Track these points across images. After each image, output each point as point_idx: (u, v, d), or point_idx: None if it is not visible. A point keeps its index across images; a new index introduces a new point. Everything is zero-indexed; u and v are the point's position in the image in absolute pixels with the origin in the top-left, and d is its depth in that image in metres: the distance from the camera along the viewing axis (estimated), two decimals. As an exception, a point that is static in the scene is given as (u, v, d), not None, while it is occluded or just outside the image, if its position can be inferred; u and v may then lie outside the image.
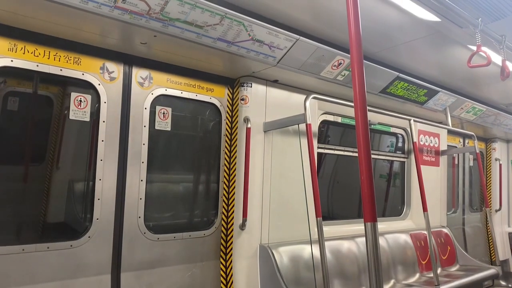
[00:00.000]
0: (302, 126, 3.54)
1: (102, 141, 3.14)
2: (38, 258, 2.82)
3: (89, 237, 3.04)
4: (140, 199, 3.31)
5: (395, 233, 5.00)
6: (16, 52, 2.82)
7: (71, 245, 2.96)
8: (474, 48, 3.47)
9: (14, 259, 2.72)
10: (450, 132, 6.16)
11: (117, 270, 3.17)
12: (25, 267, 2.76)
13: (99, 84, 3.15)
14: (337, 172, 5.81)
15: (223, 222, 3.78)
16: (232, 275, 3.68)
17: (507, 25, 3.39)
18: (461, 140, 7.10)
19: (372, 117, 4.68)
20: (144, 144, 3.36)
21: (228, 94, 3.90)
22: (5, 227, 2.90)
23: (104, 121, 3.16)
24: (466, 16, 3.18)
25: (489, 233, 7.21)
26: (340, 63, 3.77)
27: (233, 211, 3.73)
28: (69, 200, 3.22)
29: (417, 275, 4.88)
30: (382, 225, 5.05)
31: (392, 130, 5.43)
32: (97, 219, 3.08)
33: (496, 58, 3.79)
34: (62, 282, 2.91)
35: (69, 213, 3.22)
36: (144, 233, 3.31)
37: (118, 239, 3.19)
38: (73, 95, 3.07)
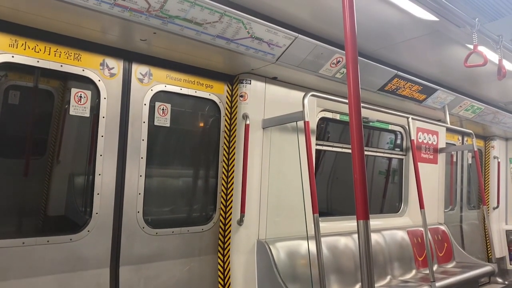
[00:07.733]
0: (301, 123, 3.57)
1: (102, 136, 3.18)
2: (38, 252, 2.86)
3: (88, 231, 3.08)
4: (139, 194, 3.35)
5: (392, 229, 5.04)
6: (17, 48, 2.84)
7: (70, 239, 3.00)
8: (472, 47, 3.48)
9: (14, 252, 2.76)
10: (449, 129, 6.18)
11: (115, 264, 3.21)
12: (25, 260, 2.80)
13: (99, 80, 3.18)
14: (336, 169, 5.84)
15: (221, 218, 3.82)
16: (229, 269, 3.72)
17: (504, 25, 3.39)
18: (460, 138, 7.12)
19: (371, 114, 4.70)
20: (143, 139, 3.39)
21: (227, 91, 3.92)
22: (6, 221, 2.95)
23: (104, 117, 3.19)
24: (463, 16, 3.19)
25: (486, 230, 7.25)
26: (339, 61, 3.80)
27: (231, 207, 3.77)
28: (69, 194, 3.25)
29: (414, 272, 4.93)
30: (379, 221, 5.09)
31: (391, 127, 5.45)
32: (97, 213, 3.12)
33: (494, 57, 3.81)
34: (61, 275, 2.95)
35: (69, 207, 3.26)
36: (143, 227, 3.35)
37: (117, 233, 3.23)
38: (74, 90, 3.10)
